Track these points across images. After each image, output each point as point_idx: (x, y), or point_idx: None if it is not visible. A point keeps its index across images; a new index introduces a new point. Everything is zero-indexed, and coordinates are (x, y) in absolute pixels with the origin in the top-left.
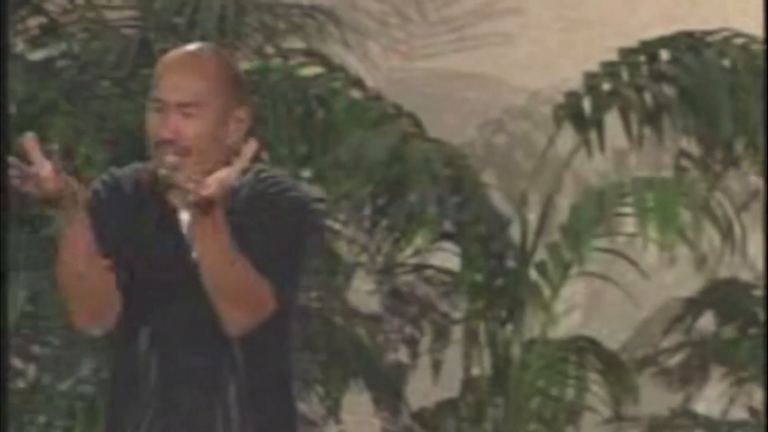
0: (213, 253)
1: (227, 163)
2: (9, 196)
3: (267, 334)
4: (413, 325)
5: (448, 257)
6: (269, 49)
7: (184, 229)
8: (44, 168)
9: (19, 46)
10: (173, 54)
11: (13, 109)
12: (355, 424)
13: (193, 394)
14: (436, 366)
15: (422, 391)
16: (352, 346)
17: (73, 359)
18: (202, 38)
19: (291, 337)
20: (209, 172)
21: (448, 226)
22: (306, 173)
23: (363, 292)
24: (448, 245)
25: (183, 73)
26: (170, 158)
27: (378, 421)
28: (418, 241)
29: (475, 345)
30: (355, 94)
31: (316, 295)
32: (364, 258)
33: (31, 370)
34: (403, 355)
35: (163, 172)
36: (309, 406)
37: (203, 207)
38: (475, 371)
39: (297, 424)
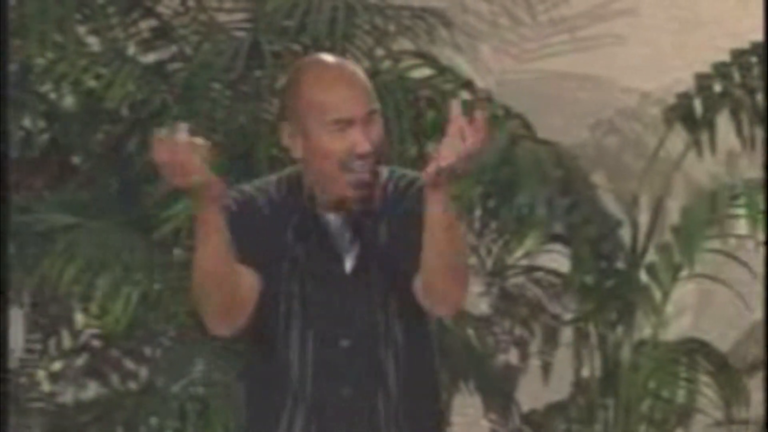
0: (443, 226)
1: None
2: (9, 196)
3: (417, 335)
4: (523, 326)
5: (558, 259)
6: (379, 51)
7: (334, 235)
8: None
9: (131, 48)
10: (320, 70)
11: (125, 111)
12: (465, 426)
13: (348, 393)
14: (546, 368)
15: (532, 392)
16: (462, 347)
17: (185, 361)
18: (313, 41)
19: (434, 339)
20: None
21: (558, 227)
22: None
23: (473, 294)
24: (558, 247)
25: (352, 86)
26: (363, 176)
27: (487, 423)
28: (528, 242)
29: (586, 347)
30: (465, 95)
31: None
32: (474, 260)
33: (143, 372)
34: (513, 356)
35: (353, 193)
36: None
37: (440, 179)
38: (585, 373)
39: (445, 428)
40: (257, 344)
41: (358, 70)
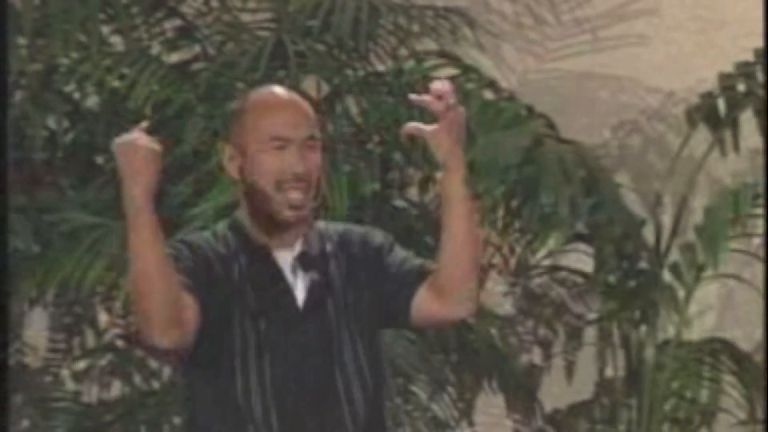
0: (464, 214)
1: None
2: (9, 196)
3: (374, 360)
4: (546, 326)
5: (581, 258)
6: (403, 51)
7: (287, 273)
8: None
9: (155, 48)
10: (268, 96)
11: (148, 111)
12: (488, 426)
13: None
14: (570, 367)
15: (555, 392)
16: (486, 347)
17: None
18: (337, 40)
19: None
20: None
21: (581, 227)
22: (438, 174)
23: (496, 294)
24: (581, 246)
25: (298, 107)
26: (296, 196)
27: (511, 422)
28: (551, 242)
29: (609, 346)
30: (489, 95)
31: None
32: (497, 259)
33: (167, 371)
34: (536, 356)
35: (288, 212)
36: (442, 407)
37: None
38: (609, 373)
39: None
40: (211, 380)
41: (303, 101)
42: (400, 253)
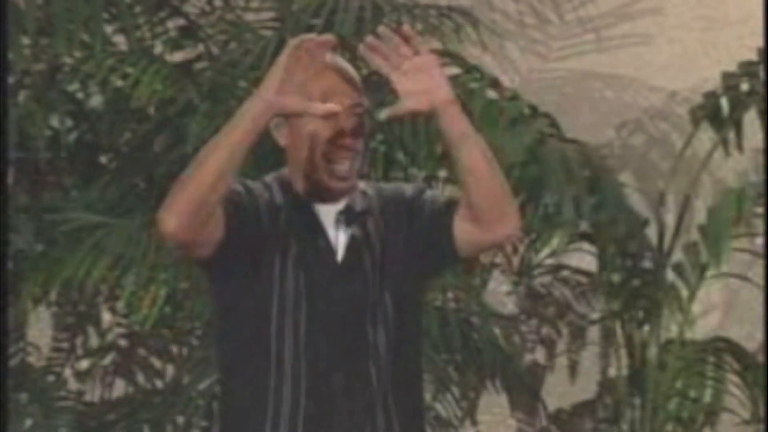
0: (473, 142)
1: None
2: (9, 196)
3: (410, 321)
4: (550, 325)
5: (584, 258)
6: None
7: (329, 227)
8: None
9: (158, 47)
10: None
11: (152, 110)
12: (492, 425)
13: (341, 379)
14: (573, 367)
15: (559, 391)
16: (489, 346)
17: (212, 359)
18: (340, 40)
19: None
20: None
21: (584, 226)
22: (442, 174)
23: (500, 293)
24: (584, 246)
25: (344, 76)
26: (343, 167)
27: (514, 422)
28: (555, 241)
29: (612, 346)
30: (492, 94)
31: (453, 295)
32: (500, 259)
33: (170, 370)
34: (539, 355)
35: (333, 183)
36: (445, 406)
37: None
38: (612, 372)
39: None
40: (247, 321)
41: (351, 68)
42: (428, 193)
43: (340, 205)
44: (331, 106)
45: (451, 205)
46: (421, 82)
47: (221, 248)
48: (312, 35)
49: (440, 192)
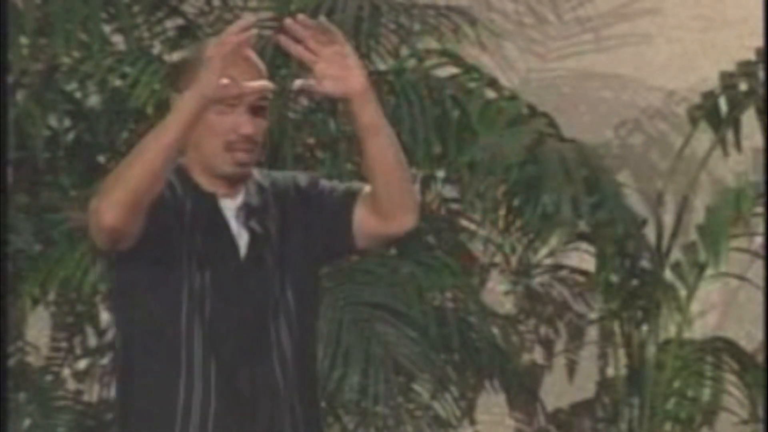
0: (381, 131)
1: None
2: (9, 196)
3: (310, 313)
4: (548, 325)
5: (583, 257)
6: (404, 50)
7: (231, 222)
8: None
9: (156, 47)
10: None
11: (150, 110)
12: (490, 425)
13: (247, 373)
14: (571, 366)
15: (557, 391)
16: (488, 346)
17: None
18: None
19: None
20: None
21: (583, 226)
22: (440, 173)
23: (498, 293)
24: (583, 245)
25: (250, 69)
26: (243, 156)
27: (513, 421)
28: (553, 241)
29: (611, 345)
30: (490, 94)
31: (452, 295)
32: (498, 258)
33: None
34: (538, 355)
35: (233, 169)
36: (444, 406)
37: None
38: (611, 372)
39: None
40: (154, 323)
41: (258, 60)
42: (326, 184)
43: (238, 201)
44: (265, 83)
45: (349, 196)
46: (337, 69)
47: (135, 243)
48: (236, 29)
49: (338, 182)
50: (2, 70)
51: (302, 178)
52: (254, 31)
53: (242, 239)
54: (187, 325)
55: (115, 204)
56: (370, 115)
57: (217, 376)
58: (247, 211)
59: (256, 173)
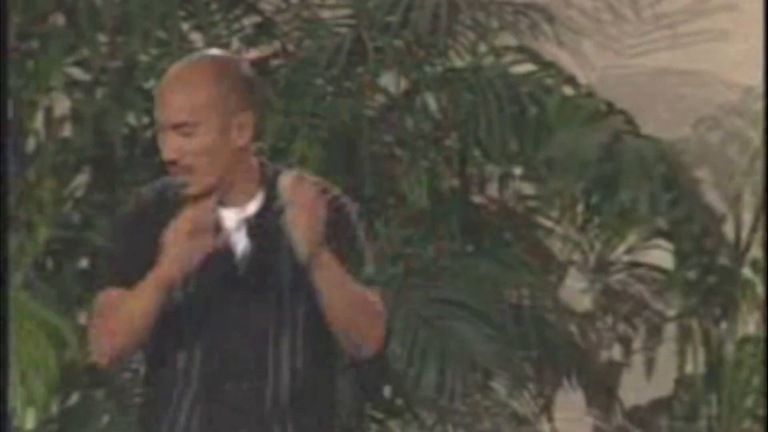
0: (337, 283)
1: (239, 166)
2: (9, 196)
3: (314, 330)
4: (626, 323)
5: (661, 255)
6: (482, 47)
7: (230, 233)
8: None
9: (234, 44)
10: (171, 70)
11: None
12: (568, 422)
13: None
14: (650, 364)
15: (635, 389)
16: (565, 344)
17: None
18: (416, 36)
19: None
20: (225, 181)
21: (661, 223)
22: (518, 170)
23: (576, 290)
24: (661, 243)
25: (176, 91)
26: (179, 179)
27: (590, 419)
28: (631, 238)
29: (689, 343)
30: (568, 91)
31: (529, 292)
32: (576, 256)
33: None
34: (616, 353)
35: (181, 192)
36: (521, 403)
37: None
38: (689, 369)
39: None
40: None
41: (209, 77)
42: (353, 222)
43: (246, 211)
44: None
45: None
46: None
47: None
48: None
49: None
50: (2, 71)
51: (343, 215)
52: (213, 214)
53: (240, 253)
54: (188, 348)
55: (110, 351)
56: (329, 271)
57: (208, 397)
58: (249, 224)
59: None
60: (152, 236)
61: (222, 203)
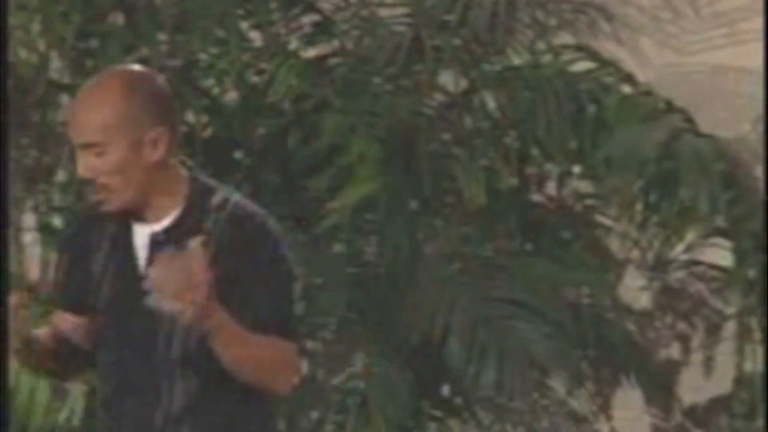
0: (236, 343)
1: (157, 181)
2: (9, 197)
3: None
4: (685, 321)
5: (720, 253)
6: (540, 45)
7: (140, 248)
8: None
9: (293, 43)
10: (82, 87)
11: (286, 105)
12: (626, 421)
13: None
14: (708, 362)
15: (694, 387)
16: (624, 342)
17: (346, 354)
18: (474, 35)
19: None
20: (141, 194)
21: (720, 221)
22: (576, 169)
23: (634, 289)
24: (720, 241)
25: (85, 110)
26: (95, 198)
27: (649, 417)
28: (690, 237)
29: (748, 341)
30: (626, 89)
31: (587, 291)
32: (635, 254)
33: (304, 365)
34: (674, 351)
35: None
36: (580, 402)
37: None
38: (748, 367)
39: None
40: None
41: (116, 95)
42: (275, 283)
43: (162, 224)
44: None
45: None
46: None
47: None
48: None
49: (283, 301)
50: (2, 70)
51: (268, 240)
52: None
53: (143, 267)
54: (102, 363)
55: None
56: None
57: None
58: (159, 239)
59: (221, 195)
60: (85, 259)
61: (137, 219)
